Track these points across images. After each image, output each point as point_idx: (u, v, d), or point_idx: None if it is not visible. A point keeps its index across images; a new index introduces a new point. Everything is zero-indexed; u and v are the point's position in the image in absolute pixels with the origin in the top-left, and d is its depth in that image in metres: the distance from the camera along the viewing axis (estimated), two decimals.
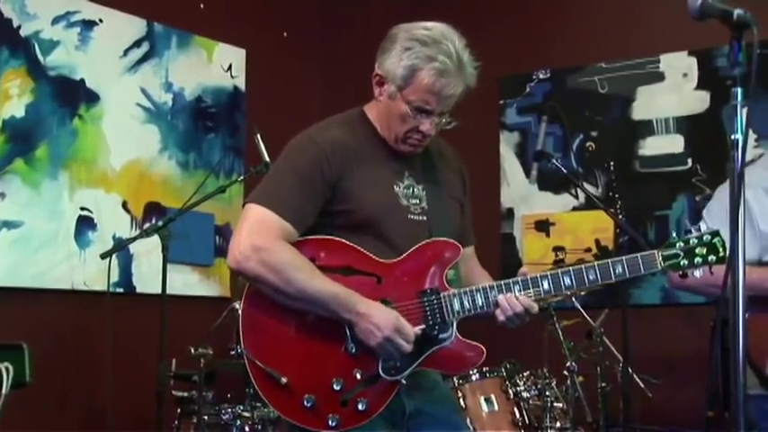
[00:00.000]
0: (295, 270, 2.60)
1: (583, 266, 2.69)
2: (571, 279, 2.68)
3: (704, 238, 2.70)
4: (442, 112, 2.68)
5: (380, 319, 2.59)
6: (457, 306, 2.67)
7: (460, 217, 2.90)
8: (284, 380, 2.61)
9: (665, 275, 2.86)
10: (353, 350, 2.64)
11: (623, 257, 2.69)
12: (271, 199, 2.65)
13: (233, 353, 4.28)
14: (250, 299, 2.68)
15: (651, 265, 2.69)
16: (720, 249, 2.68)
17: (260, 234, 2.61)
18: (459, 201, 2.91)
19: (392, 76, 2.67)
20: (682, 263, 2.69)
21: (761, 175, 3.46)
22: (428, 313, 2.67)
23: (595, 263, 2.70)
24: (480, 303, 2.68)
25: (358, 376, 2.63)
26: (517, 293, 2.68)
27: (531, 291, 2.67)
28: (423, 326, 2.65)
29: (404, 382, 2.65)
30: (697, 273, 2.71)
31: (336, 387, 2.62)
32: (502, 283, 2.70)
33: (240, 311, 2.69)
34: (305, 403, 2.61)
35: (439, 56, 2.60)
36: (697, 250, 2.69)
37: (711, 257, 2.69)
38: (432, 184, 2.81)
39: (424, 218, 2.75)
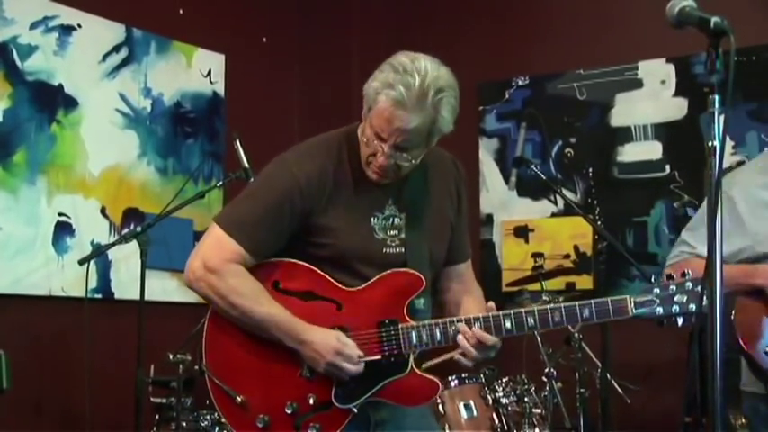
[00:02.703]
0: (238, 296, 2.61)
1: (548, 307, 2.62)
2: (535, 320, 2.61)
3: (686, 285, 2.51)
4: (397, 146, 2.56)
5: (321, 345, 2.58)
6: (414, 339, 2.63)
7: (447, 239, 2.82)
8: (240, 398, 2.64)
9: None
10: (308, 375, 2.64)
11: (592, 301, 2.59)
12: (232, 223, 2.65)
13: (196, 367, 4.26)
14: (213, 316, 2.70)
15: (621, 312, 2.55)
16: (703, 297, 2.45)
17: (213, 257, 2.63)
18: (449, 220, 2.82)
19: (366, 97, 2.61)
20: (657, 311, 2.52)
21: (749, 176, 3.42)
22: (384, 344, 2.64)
23: (562, 304, 2.62)
24: (438, 338, 2.63)
25: (311, 401, 2.63)
26: (477, 330, 2.60)
27: (492, 329, 2.60)
28: (378, 356, 2.63)
29: (355, 411, 2.63)
30: (680, 321, 2.51)
31: (289, 411, 2.62)
32: (462, 318, 2.64)
33: (204, 328, 2.71)
34: (258, 423, 2.62)
35: (399, 85, 2.48)
36: (676, 298, 2.51)
37: (692, 306, 2.47)
38: (415, 210, 2.74)
39: (402, 249, 2.70)
